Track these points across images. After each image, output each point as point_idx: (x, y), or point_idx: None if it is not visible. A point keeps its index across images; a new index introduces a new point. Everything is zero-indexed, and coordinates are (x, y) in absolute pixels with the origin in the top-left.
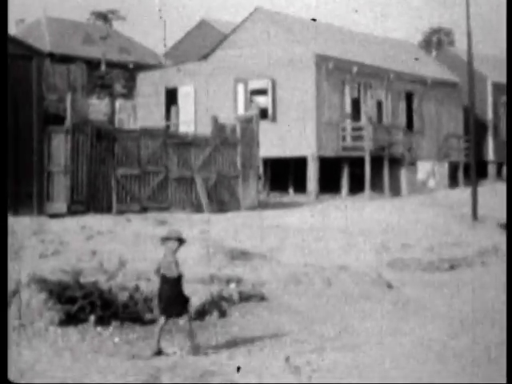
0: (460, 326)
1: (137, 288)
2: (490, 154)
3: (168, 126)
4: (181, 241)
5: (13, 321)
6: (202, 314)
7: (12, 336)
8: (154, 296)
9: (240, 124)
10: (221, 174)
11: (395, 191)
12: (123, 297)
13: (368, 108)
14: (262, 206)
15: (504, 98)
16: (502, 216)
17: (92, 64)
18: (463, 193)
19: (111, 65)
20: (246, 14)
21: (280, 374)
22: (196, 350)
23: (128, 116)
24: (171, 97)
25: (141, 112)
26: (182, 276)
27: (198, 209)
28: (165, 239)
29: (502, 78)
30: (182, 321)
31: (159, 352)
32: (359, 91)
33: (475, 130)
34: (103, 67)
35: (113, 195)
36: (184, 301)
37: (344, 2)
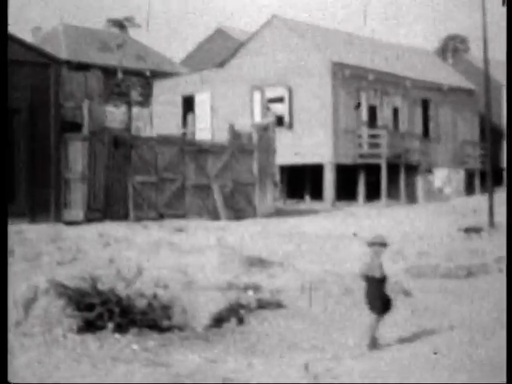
0: (478, 334)
1: (154, 295)
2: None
3: (185, 134)
4: (384, 245)
5: (31, 328)
6: (219, 321)
7: (31, 343)
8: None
9: (256, 131)
10: (237, 181)
11: (411, 198)
12: (141, 304)
13: (384, 115)
14: (279, 213)
15: None
16: None
17: (108, 71)
18: (479, 200)
19: (128, 72)
20: (262, 21)
21: (299, 381)
22: (374, 343)
23: (145, 124)
24: (188, 104)
25: (157, 119)
26: (386, 277)
27: (214, 216)
28: (371, 244)
29: None
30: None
31: (374, 344)
32: (376, 98)
33: (491, 137)
34: (120, 75)
35: (130, 202)
36: (386, 300)
37: (358, 10)
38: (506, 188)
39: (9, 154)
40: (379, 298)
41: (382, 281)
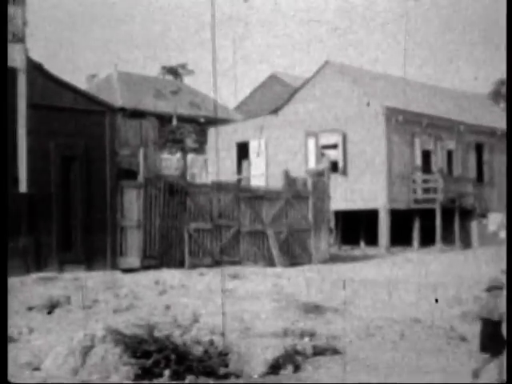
0: None
1: (211, 342)
2: None
3: (240, 180)
4: (501, 288)
5: (89, 375)
6: (276, 367)
7: None
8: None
9: (311, 178)
10: (292, 227)
11: (466, 243)
12: (197, 351)
13: (438, 160)
14: (334, 259)
15: None
16: None
17: (163, 119)
18: None
19: (182, 119)
20: (315, 67)
21: None
22: (476, 375)
23: (200, 170)
24: (242, 151)
25: (212, 166)
26: (503, 320)
27: (269, 262)
28: (490, 288)
29: None
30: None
31: (476, 375)
32: (429, 143)
33: None
34: (174, 122)
35: (185, 249)
36: (502, 341)
37: (408, 55)
38: (506, 193)
39: (66, 202)
40: (494, 340)
41: (498, 323)
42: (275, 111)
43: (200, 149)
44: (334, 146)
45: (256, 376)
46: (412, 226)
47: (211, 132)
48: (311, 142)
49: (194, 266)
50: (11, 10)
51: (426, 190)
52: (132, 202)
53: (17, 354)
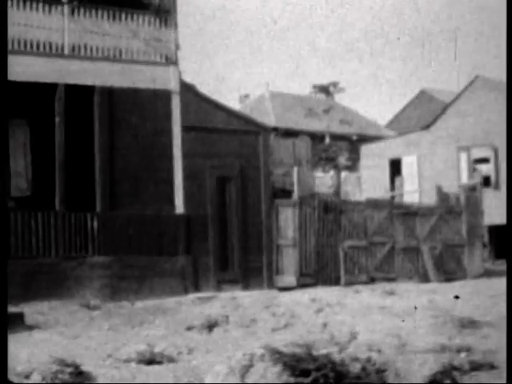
0: None
1: (369, 359)
2: None
3: (393, 197)
4: None
5: None
6: (434, 383)
7: None
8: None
9: (464, 192)
10: (446, 242)
11: None
12: (355, 368)
13: None
14: (488, 273)
15: None
16: None
17: (316, 137)
18: None
19: (334, 137)
20: (465, 82)
21: None
22: None
23: (353, 188)
24: (395, 167)
25: (365, 183)
26: None
27: (424, 278)
28: None
29: None
30: None
31: None
32: None
33: None
34: (327, 140)
35: (341, 267)
36: None
37: None
38: (506, 191)
39: (222, 222)
40: None
41: None
42: (427, 127)
43: (353, 166)
44: (486, 160)
45: None
46: None
47: (363, 149)
48: (463, 157)
49: (349, 284)
50: (163, 33)
51: None
52: (287, 221)
53: (177, 375)
